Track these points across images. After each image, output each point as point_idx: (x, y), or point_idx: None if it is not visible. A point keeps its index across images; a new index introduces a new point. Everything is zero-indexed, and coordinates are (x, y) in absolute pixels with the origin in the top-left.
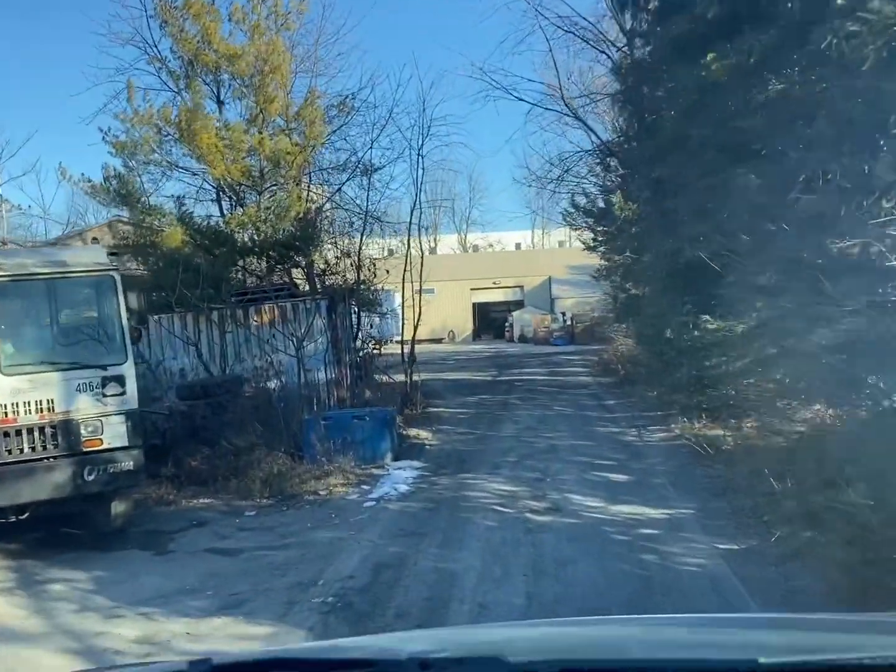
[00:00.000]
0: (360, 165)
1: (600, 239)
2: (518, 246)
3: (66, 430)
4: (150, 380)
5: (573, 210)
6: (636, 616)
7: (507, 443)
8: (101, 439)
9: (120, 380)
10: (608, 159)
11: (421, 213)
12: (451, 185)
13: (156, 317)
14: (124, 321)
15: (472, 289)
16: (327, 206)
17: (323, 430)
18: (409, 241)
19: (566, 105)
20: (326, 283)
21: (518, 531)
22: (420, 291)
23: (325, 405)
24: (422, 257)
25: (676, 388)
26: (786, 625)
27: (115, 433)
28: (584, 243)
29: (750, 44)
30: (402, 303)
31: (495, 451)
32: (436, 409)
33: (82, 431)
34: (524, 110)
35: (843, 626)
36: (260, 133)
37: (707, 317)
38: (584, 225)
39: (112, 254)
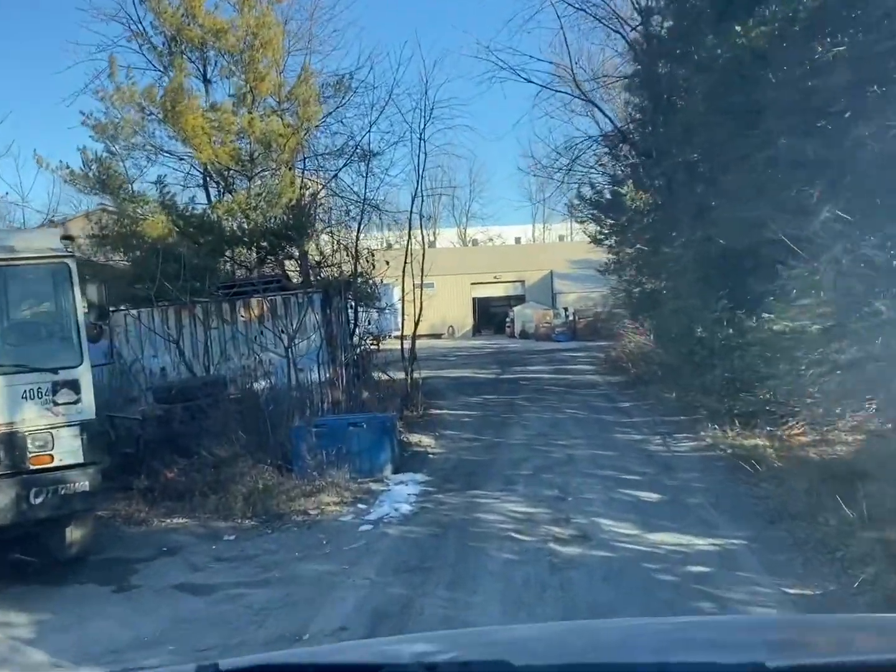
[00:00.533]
0: (357, 150)
1: (606, 232)
2: (518, 240)
3: (8, 445)
4: (125, 380)
5: (579, 202)
6: (642, 619)
7: (518, 451)
8: (50, 455)
9: (74, 385)
10: (620, 146)
11: (423, 202)
12: (452, 175)
13: (134, 311)
14: (80, 317)
15: (472, 283)
16: (323, 193)
17: (314, 439)
18: (409, 230)
19: (577, 87)
20: (322, 275)
21: (542, 568)
22: (421, 285)
23: (318, 408)
24: (423, 249)
25: (706, 390)
26: (792, 627)
27: (67, 448)
28: (589, 237)
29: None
30: (403, 297)
31: (506, 461)
32: (438, 411)
33: (28, 446)
34: (531, 93)
35: (849, 628)
36: (250, 114)
37: (744, 312)
38: (590, 217)
39: (66, 238)
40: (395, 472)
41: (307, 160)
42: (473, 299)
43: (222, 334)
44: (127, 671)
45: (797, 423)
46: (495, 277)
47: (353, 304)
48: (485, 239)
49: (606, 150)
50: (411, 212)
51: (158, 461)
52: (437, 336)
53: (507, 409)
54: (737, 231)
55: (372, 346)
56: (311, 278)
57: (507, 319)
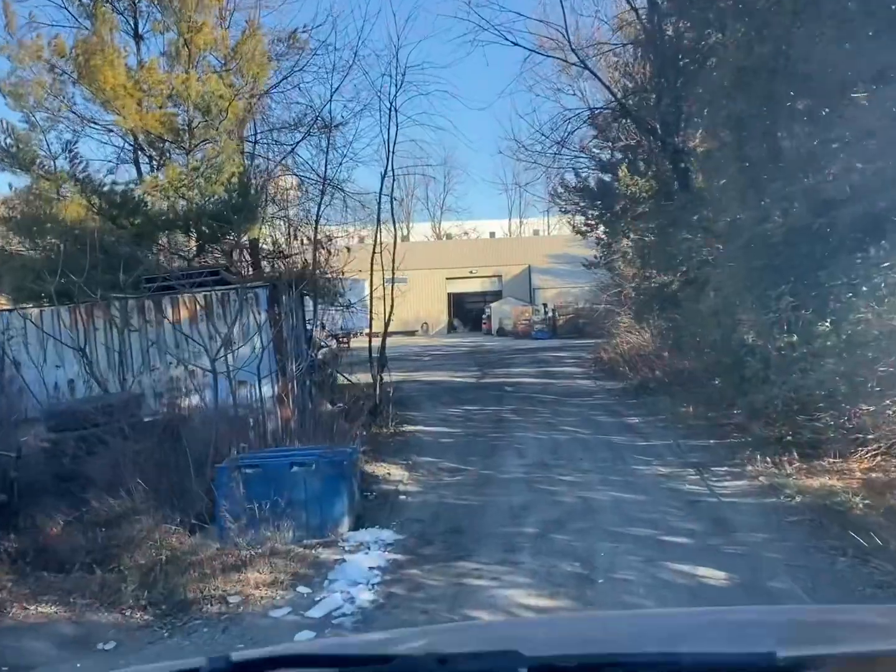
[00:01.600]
0: (318, 120)
1: (593, 223)
2: (493, 235)
3: None
4: (17, 399)
5: (563, 190)
6: (652, 610)
7: (516, 492)
8: None
9: None
10: (615, 125)
11: (394, 182)
12: (427, 156)
13: (34, 310)
14: None
15: (447, 278)
16: (283, 177)
17: (244, 485)
18: (378, 214)
19: (572, 51)
20: (276, 267)
21: None
22: (392, 280)
23: (262, 434)
24: (395, 237)
25: (753, 411)
26: (803, 617)
27: None
28: (574, 228)
29: None
30: (371, 291)
31: (503, 509)
32: (412, 428)
33: None
34: (518, 58)
35: (860, 618)
36: (186, 74)
37: (813, 313)
38: (575, 207)
39: None
40: (355, 527)
41: (259, 134)
42: (448, 295)
43: (144, 339)
44: (135, 667)
45: (870, 452)
46: (471, 272)
47: (311, 300)
48: (460, 233)
49: (596, 132)
50: (381, 193)
51: (40, 510)
52: (411, 333)
53: (494, 425)
54: (808, 207)
55: (342, 346)
56: (267, 271)
57: (484, 316)
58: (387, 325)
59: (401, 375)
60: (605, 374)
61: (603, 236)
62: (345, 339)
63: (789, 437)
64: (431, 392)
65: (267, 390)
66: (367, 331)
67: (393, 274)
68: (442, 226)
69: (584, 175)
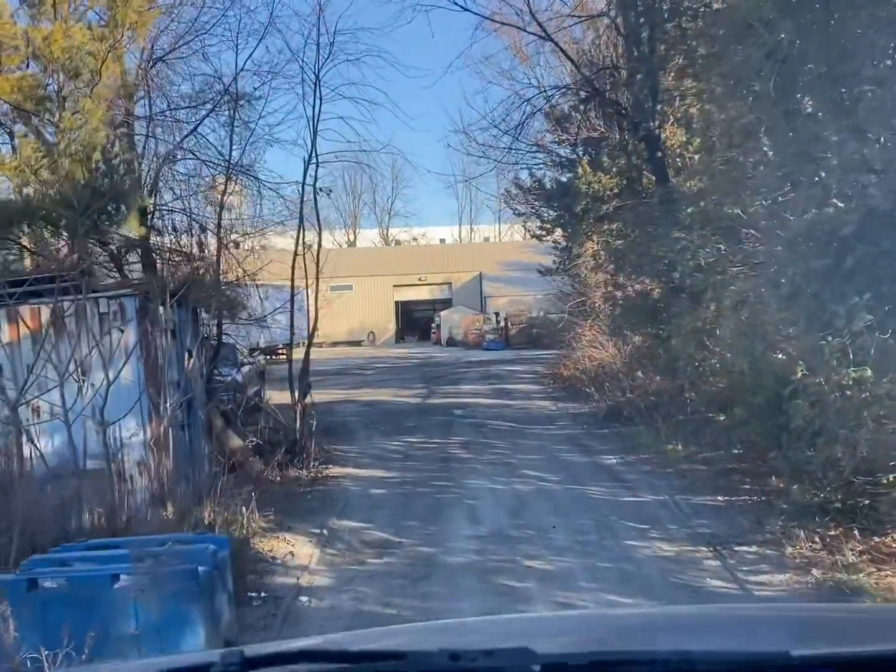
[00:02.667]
0: (227, 93)
1: (549, 225)
2: (443, 241)
3: None
4: None
5: (517, 191)
6: (664, 607)
7: (466, 594)
8: None
9: None
10: (579, 111)
11: (318, 168)
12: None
13: None
14: None
15: (394, 285)
16: (179, 157)
17: (41, 612)
18: (301, 209)
19: (533, 17)
20: (173, 270)
21: None
22: (317, 285)
23: (114, 504)
24: (319, 235)
25: (795, 468)
26: (817, 615)
27: None
28: (529, 232)
29: None
30: (292, 298)
31: (452, 629)
32: (338, 471)
33: None
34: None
35: (876, 617)
36: (52, 26)
37: None
38: (530, 210)
39: None
40: None
41: (158, 111)
42: (396, 303)
43: None
44: (148, 659)
45: None
46: (420, 279)
47: (207, 314)
48: (409, 239)
49: (553, 125)
50: (304, 183)
51: None
52: (357, 343)
53: (440, 466)
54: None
55: (280, 359)
56: (136, 278)
57: (433, 325)
58: (310, 338)
59: (338, 395)
60: (566, 393)
61: (561, 240)
62: (282, 352)
63: (838, 504)
64: (369, 417)
65: (134, 434)
66: (303, 341)
67: (317, 279)
68: (390, 231)
69: (539, 173)
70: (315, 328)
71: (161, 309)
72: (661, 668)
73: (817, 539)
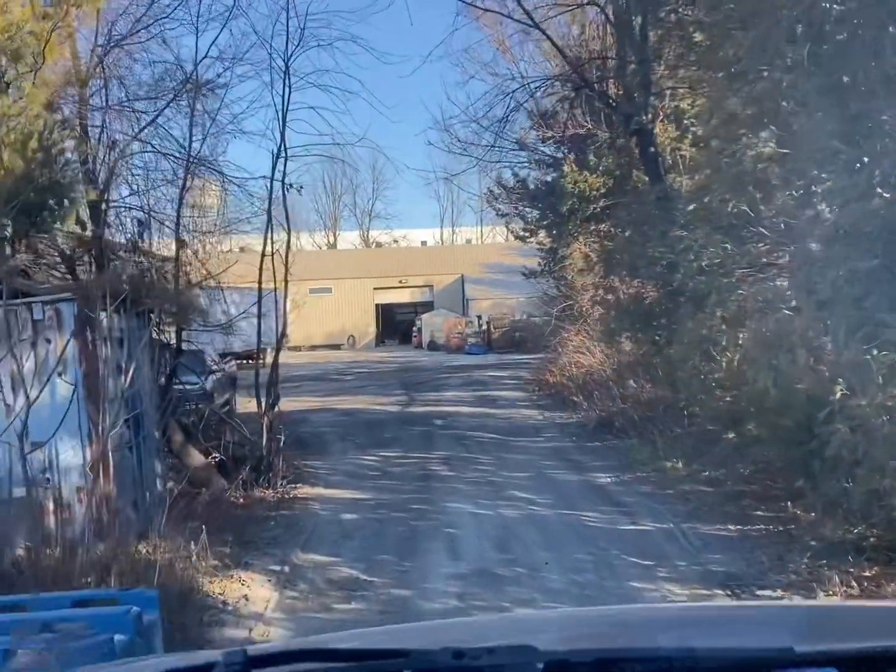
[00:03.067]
0: (189, 82)
1: (532, 227)
2: (425, 244)
3: None
4: None
5: (500, 190)
6: (668, 604)
7: None
8: None
9: None
10: (564, 106)
11: (286, 163)
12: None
13: None
14: None
15: (375, 288)
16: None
17: None
18: (269, 206)
19: (520, 6)
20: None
21: None
22: (286, 286)
23: (55, 532)
24: (287, 235)
25: (829, 503)
26: (819, 613)
27: None
28: (512, 233)
29: None
30: (259, 300)
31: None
32: (307, 491)
33: None
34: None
35: (879, 614)
36: None
37: None
38: (513, 210)
39: None
40: None
41: (108, 96)
42: (377, 306)
43: None
44: (155, 657)
45: None
46: (401, 282)
47: (166, 320)
48: (389, 241)
49: (537, 120)
50: (272, 179)
51: None
52: (336, 346)
53: (418, 486)
54: None
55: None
56: (109, 276)
57: (414, 328)
58: (279, 344)
59: (314, 402)
60: (552, 401)
61: (546, 242)
62: (257, 357)
63: (875, 541)
64: (345, 428)
65: (72, 456)
66: (289, 344)
67: (286, 281)
68: (371, 234)
69: (523, 173)
70: (284, 333)
71: (105, 315)
72: (665, 664)
73: (853, 582)
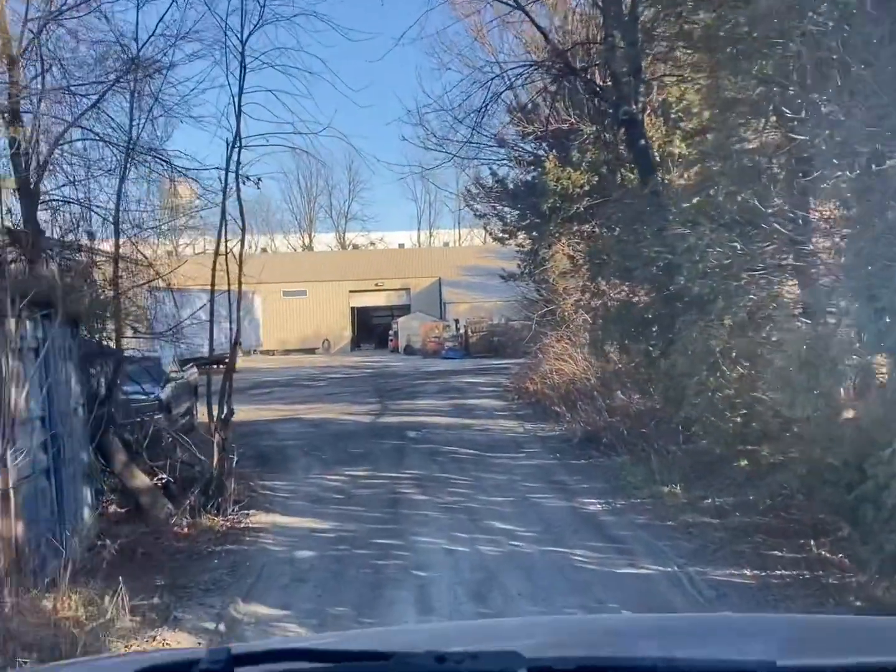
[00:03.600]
0: (133, 62)
1: (511, 228)
2: (402, 247)
3: None
4: None
5: (478, 189)
6: (652, 615)
7: None
8: None
9: None
10: (545, 98)
11: (241, 152)
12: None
13: None
14: None
15: (351, 291)
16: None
17: None
18: (224, 201)
19: None
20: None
21: None
22: (240, 285)
23: None
24: (242, 231)
25: (867, 529)
26: (803, 626)
27: None
28: (491, 234)
29: None
30: (211, 303)
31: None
32: (261, 520)
33: None
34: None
35: (861, 629)
36: None
37: None
38: (492, 210)
39: None
40: None
41: (44, 78)
42: (352, 309)
43: None
44: (135, 653)
45: None
46: (377, 285)
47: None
48: (366, 243)
49: (516, 114)
50: (227, 170)
51: None
52: (311, 351)
53: (386, 515)
54: None
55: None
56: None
57: (391, 332)
58: (233, 352)
59: (282, 411)
60: (533, 411)
61: (525, 244)
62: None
63: None
64: (312, 441)
65: None
66: (259, 348)
67: (240, 283)
68: (347, 236)
69: (501, 172)
70: (238, 341)
71: (14, 322)
72: None
73: None
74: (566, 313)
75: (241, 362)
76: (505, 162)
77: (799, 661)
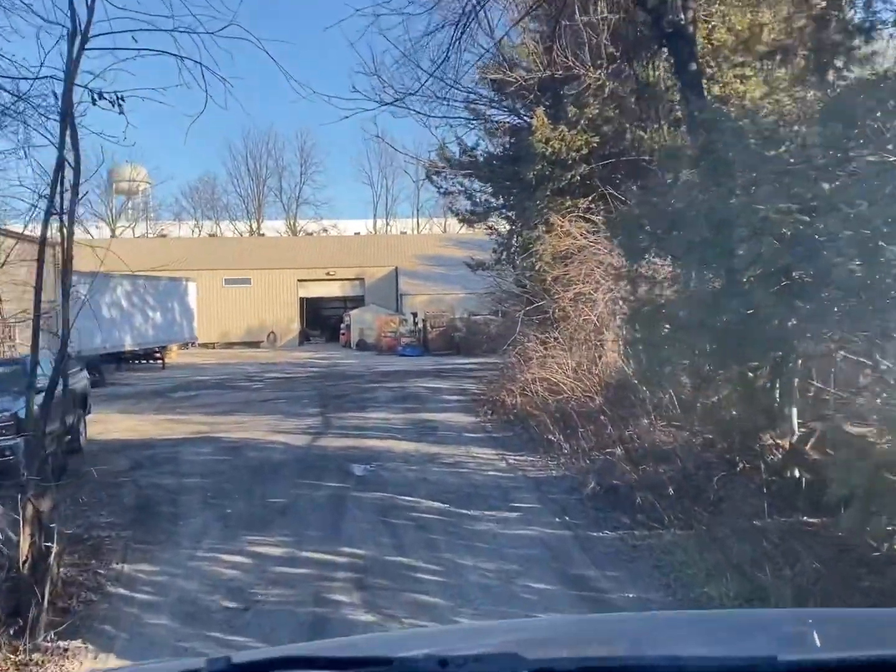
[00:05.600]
0: None
1: (483, 207)
2: (358, 235)
3: None
4: None
5: (444, 164)
6: (653, 613)
7: None
8: None
9: None
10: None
11: (83, 47)
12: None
13: None
14: None
15: (299, 280)
16: None
17: None
18: (63, 129)
19: None
20: None
21: None
22: (66, 268)
23: None
24: (75, 175)
25: None
26: (804, 621)
27: None
28: (458, 216)
29: None
30: (37, 292)
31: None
32: (84, 661)
33: None
34: None
35: (862, 622)
36: None
37: None
38: (459, 186)
39: None
40: None
41: None
42: (301, 299)
43: None
44: (137, 664)
45: None
46: (328, 274)
47: None
48: (319, 231)
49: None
50: (67, 81)
51: None
52: (255, 344)
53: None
54: None
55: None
56: None
57: (343, 325)
58: (60, 356)
59: (198, 426)
60: (513, 434)
61: (499, 226)
62: (158, 355)
63: None
64: (221, 479)
65: None
66: (193, 342)
67: (66, 259)
68: (298, 223)
69: (470, 140)
70: (66, 341)
71: None
72: None
73: None
74: (561, 310)
75: (174, 357)
76: (477, 125)
77: (800, 655)
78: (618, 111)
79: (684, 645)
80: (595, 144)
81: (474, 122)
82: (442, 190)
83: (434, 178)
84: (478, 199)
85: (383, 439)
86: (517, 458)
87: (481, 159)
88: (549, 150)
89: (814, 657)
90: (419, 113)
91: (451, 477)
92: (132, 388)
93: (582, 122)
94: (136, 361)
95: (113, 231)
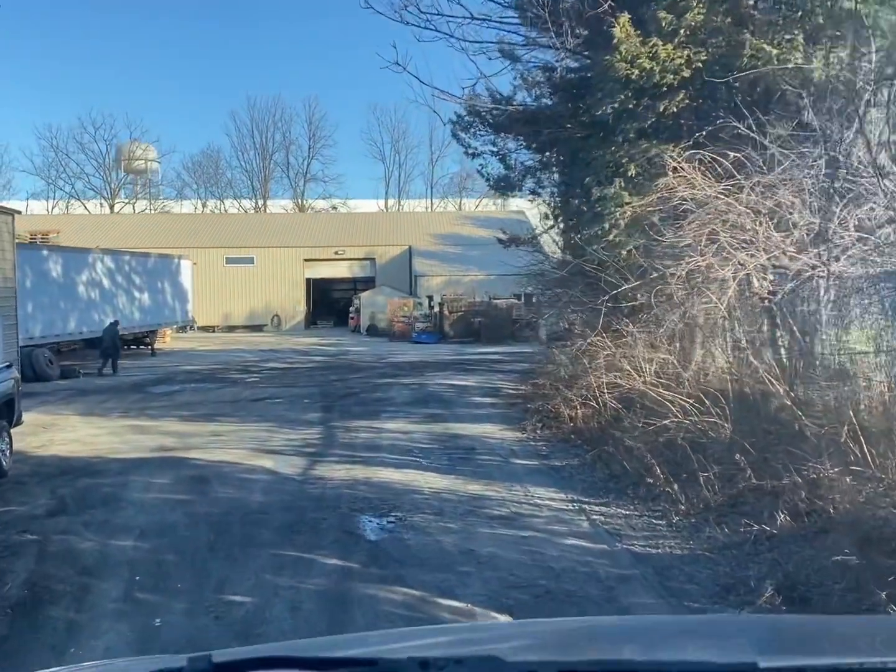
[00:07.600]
0: None
1: (523, 167)
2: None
3: None
4: None
5: (474, 118)
6: (636, 616)
7: None
8: None
9: None
10: None
11: None
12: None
13: None
14: None
15: (305, 259)
16: None
17: None
18: None
19: None
20: None
21: None
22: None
23: None
24: None
25: None
26: (785, 626)
27: None
28: (489, 182)
29: None
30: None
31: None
32: None
33: None
34: None
35: (842, 629)
36: None
37: None
38: (489, 149)
39: None
40: None
41: None
42: (308, 280)
43: None
44: (114, 661)
45: None
46: (337, 253)
47: None
48: (327, 208)
49: None
50: None
51: None
52: (259, 328)
53: None
54: None
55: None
56: None
57: (352, 308)
58: None
59: (166, 438)
60: (578, 460)
61: (544, 192)
62: (147, 339)
63: None
64: (161, 545)
65: None
66: (189, 326)
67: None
68: (306, 201)
69: (505, 88)
70: None
71: None
72: None
73: None
74: (658, 294)
75: (167, 342)
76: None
77: (781, 661)
78: (729, 20)
79: (666, 650)
80: (700, 64)
81: (523, 46)
82: (469, 151)
83: (460, 135)
84: (510, 161)
85: (403, 468)
86: (602, 509)
87: (531, 99)
88: (637, 72)
89: (794, 663)
90: (451, 37)
91: (512, 550)
92: (108, 381)
93: (681, 32)
94: (125, 347)
95: (111, 207)
